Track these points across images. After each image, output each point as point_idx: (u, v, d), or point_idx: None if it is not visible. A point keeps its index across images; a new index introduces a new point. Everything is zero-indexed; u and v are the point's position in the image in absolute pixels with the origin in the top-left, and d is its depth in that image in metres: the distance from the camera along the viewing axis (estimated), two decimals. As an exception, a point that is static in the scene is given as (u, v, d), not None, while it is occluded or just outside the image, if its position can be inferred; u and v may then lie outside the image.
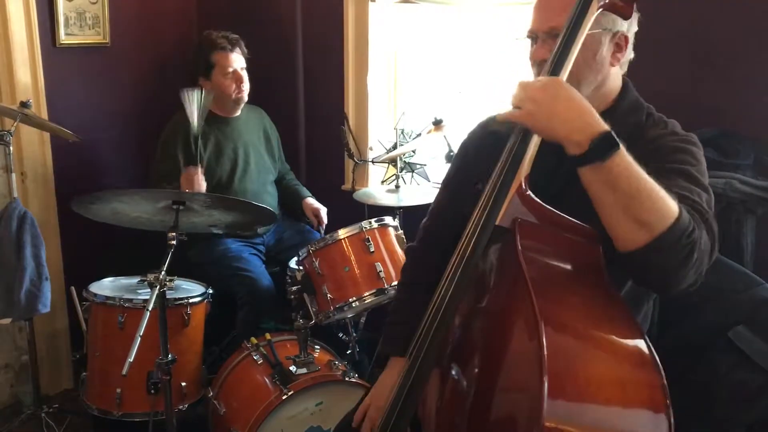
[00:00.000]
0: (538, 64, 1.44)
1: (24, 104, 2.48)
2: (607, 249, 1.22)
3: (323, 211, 3.12)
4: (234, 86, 2.98)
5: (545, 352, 0.99)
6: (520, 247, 1.16)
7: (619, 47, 1.43)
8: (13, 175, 2.54)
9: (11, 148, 2.48)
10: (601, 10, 1.28)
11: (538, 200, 1.21)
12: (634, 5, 1.33)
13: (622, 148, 1.13)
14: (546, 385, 0.97)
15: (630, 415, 1.03)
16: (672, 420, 1.02)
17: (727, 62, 2.33)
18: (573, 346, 1.06)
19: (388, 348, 1.67)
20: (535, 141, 1.24)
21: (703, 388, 1.78)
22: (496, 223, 1.20)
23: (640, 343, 1.10)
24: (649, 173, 1.16)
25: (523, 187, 1.21)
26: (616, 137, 1.13)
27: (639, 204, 1.13)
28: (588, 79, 1.40)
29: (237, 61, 2.99)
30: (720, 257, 2.04)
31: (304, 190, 3.25)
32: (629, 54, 1.47)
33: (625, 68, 1.50)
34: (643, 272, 1.20)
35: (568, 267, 1.20)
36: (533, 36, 1.46)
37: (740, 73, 2.32)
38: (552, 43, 1.39)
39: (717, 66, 2.35)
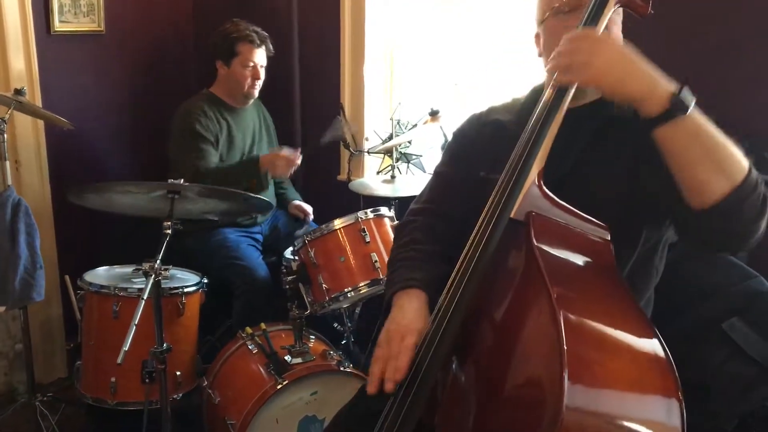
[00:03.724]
0: None
1: (18, 91, 2.46)
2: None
3: (309, 208, 3.20)
4: (249, 80, 2.99)
5: (564, 344, 1.00)
6: (535, 241, 1.15)
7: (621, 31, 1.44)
8: (7, 163, 2.52)
9: (5, 135, 2.46)
10: (617, 5, 1.29)
11: (552, 194, 1.21)
12: (650, 4, 1.33)
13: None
14: (566, 377, 0.97)
15: (645, 402, 1.04)
16: (684, 413, 1.03)
17: (726, 59, 2.33)
18: (590, 340, 1.06)
19: (401, 284, 1.45)
20: (552, 127, 1.22)
21: (698, 380, 1.79)
22: (511, 215, 1.19)
23: (653, 337, 1.10)
24: None
25: (538, 180, 1.21)
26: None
27: (721, 151, 1.16)
28: None
29: (260, 57, 2.99)
30: (715, 250, 2.05)
31: (294, 194, 3.30)
32: None
33: None
34: (724, 226, 1.20)
35: (581, 261, 1.20)
36: (559, 10, 1.39)
37: (739, 69, 2.32)
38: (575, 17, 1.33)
39: (715, 62, 2.35)
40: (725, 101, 2.32)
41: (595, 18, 1.25)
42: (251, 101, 3.09)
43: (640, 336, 1.10)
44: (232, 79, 2.99)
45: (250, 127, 3.12)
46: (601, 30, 1.25)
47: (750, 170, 1.17)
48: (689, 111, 1.13)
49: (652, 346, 1.09)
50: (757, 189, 1.16)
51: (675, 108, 1.13)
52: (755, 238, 1.21)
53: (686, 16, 2.36)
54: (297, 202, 3.24)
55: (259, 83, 3.03)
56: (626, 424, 1.02)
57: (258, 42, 2.98)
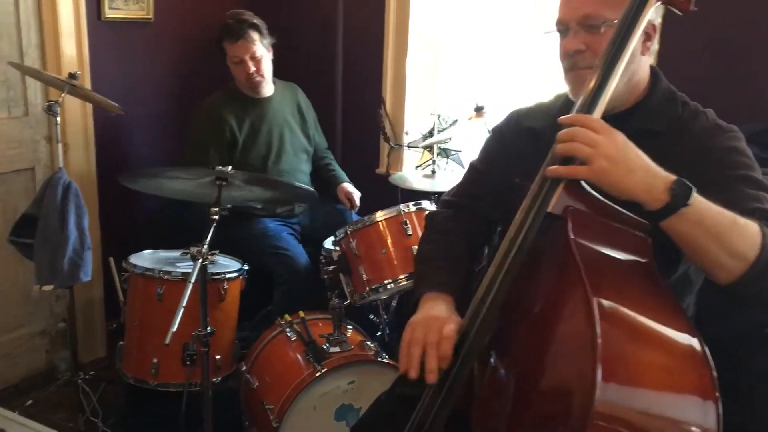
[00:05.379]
0: (570, 55, 1.41)
1: (72, 76, 2.51)
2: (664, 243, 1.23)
3: (356, 195, 3.13)
4: (244, 74, 2.95)
5: (599, 339, 1.00)
6: (571, 235, 1.16)
7: (648, 36, 1.39)
8: (59, 146, 2.57)
9: (58, 118, 2.52)
10: (658, 3, 1.27)
11: (590, 189, 1.21)
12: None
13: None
14: (599, 370, 0.98)
15: (680, 401, 1.04)
16: (720, 411, 1.03)
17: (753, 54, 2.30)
18: (625, 334, 1.06)
19: (432, 287, 1.51)
20: None
21: (742, 385, 1.78)
22: (549, 210, 1.20)
23: (691, 334, 1.10)
24: (712, 183, 1.18)
25: None
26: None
27: (728, 235, 1.15)
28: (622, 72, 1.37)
29: (243, 50, 2.92)
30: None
31: (342, 176, 3.25)
32: (655, 44, 1.45)
33: (653, 58, 1.49)
34: (751, 298, 1.21)
35: (619, 256, 1.20)
36: (563, 27, 1.42)
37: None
38: (585, 34, 1.37)
39: (759, 60, 2.32)
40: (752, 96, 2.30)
41: (630, 27, 1.23)
42: (269, 89, 3.07)
43: (676, 332, 1.10)
44: (234, 76, 3.01)
45: (278, 116, 3.09)
46: (638, 35, 1.24)
47: (764, 239, 1.15)
48: (690, 201, 1.12)
49: (689, 342, 1.09)
50: None
51: (675, 202, 1.13)
52: None
53: (732, 12, 2.34)
54: (347, 186, 3.17)
55: (261, 73, 2.96)
56: (660, 417, 1.02)
57: (233, 39, 2.90)
